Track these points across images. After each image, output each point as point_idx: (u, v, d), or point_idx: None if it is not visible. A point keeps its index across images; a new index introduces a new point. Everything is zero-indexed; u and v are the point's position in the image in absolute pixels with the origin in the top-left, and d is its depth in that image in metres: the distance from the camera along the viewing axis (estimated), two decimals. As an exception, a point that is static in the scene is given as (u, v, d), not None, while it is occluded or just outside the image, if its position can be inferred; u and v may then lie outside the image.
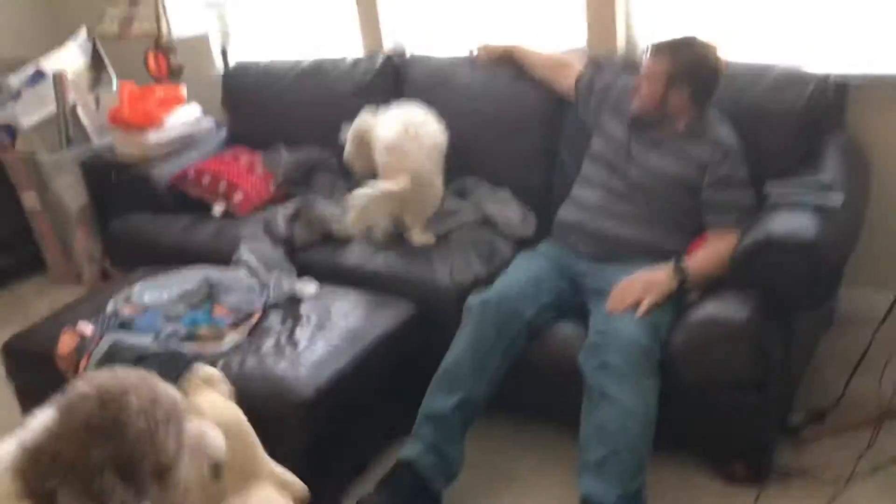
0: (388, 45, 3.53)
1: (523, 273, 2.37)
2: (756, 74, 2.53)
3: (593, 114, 2.63)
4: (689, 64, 2.35)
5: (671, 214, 2.38)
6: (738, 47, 2.75)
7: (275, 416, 2.09)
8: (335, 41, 3.68)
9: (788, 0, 2.71)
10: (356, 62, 3.37)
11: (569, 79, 2.74)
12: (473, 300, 2.29)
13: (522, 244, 2.68)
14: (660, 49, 2.39)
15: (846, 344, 2.56)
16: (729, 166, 2.34)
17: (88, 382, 1.27)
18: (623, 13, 2.96)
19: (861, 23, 2.62)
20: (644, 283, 2.19)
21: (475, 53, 3.02)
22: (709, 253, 2.27)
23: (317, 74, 3.42)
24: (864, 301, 2.68)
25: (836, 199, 2.15)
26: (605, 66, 2.77)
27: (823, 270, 2.02)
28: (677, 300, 2.21)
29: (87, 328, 2.43)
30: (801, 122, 2.43)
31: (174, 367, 2.23)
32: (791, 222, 2.10)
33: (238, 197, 3.16)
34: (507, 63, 2.94)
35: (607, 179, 2.46)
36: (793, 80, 2.47)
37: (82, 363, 2.33)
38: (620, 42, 2.98)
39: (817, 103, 2.43)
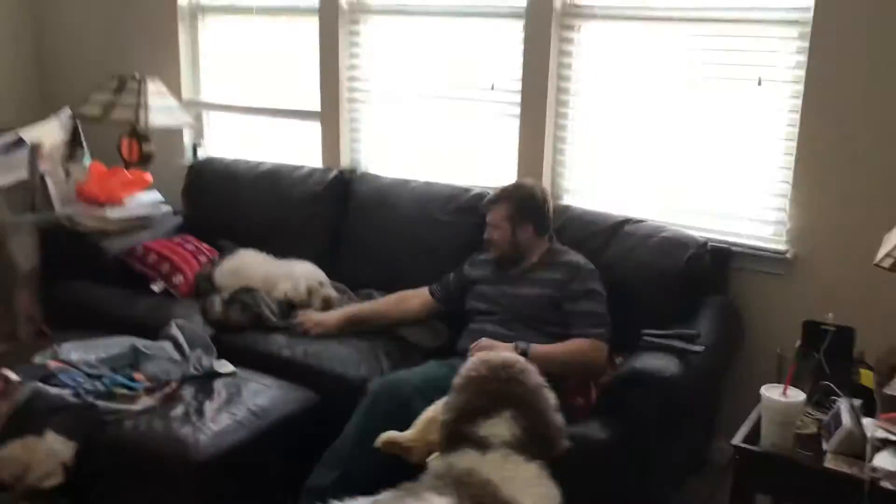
0: (345, 161, 3.87)
1: (427, 373, 2.59)
2: (645, 235, 2.90)
3: (464, 283, 2.96)
4: (524, 202, 2.80)
5: (546, 329, 2.68)
6: (644, 204, 3.14)
7: (170, 475, 2.27)
8: (300, 152, 4.03)
9: (684, 175, 3.11)
10: (311, 172, 3.70)
11: (418, 298, 3.03)
12: (376, 381, 2.54)
13: (435, 354, 2.87)
14: (496, 199, 2.84)
15: (709, 490, 2.80)
16: (581, 282, 2.70)
17: None
18: (550, 158, 3.35)
19: (742, 200, 3.02)
20: (491, 343, 2.55)
21: (304, 327, 3.02)
22: (558, 346, 2.59)
23: (273, 178, 3.74)
24: (728, 453, 2.94)
25: (697, 347, 2.45)
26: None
27: (674, 405, 2.29)
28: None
29: (11, 375, 2.60)
30: (678, 281, 2.78)
31: (84, 419, 2.42)
32: (655, 361, 2.39)
33: (178, 279, 3.39)
34: (349, 327, 3.00)
35: (491, 314, 2.78)
36: (675, 244, 2.83)
37: (2, 407, 2.49)
38: (546, 181, 3.35)
39: (694, 266, 2.79)
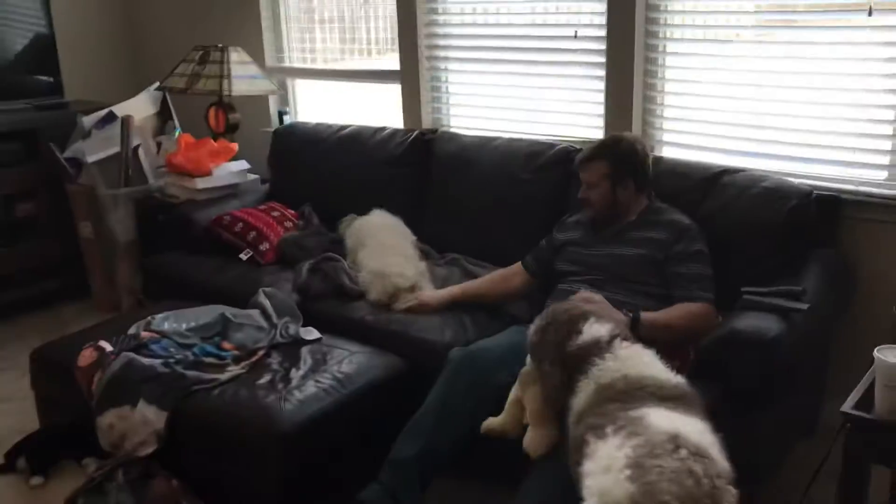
0: (427, 121, 3.80)
1: (507, 340, 2.52)
2: (745, 185, 2.70)
3: (556, 249, 2.79)
4: (624, 158, 2.60)
5: (647, 291, 2.52)
6: (742, 155, 2.94)
7: (255, 443, 2.28)
8: (382, 115, 3.98)
9: (789, 114, 2.88)
10: (392, 133, 3.64)
11: (516, 276, 2.86)
12: (453, 353, 2.45)
13: (516, 320, 2.78)
14: (593, 156, 2.63)
15: (818, 453, 2.62)
16: (685, 243, 2.52)
17: None
18: (640, 108, 3.17)
19: (858, 140, 2.77)
20: (604, 302, 2.39)
21: (407, 306, 2.86)
22: (668, 312, 2.43)
23: (356, 141, 3.70)
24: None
25: (801, 305, 2.27)
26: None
27: (777, 368, 2.13)
28: None
29: (106, 345, 2.67)
30: (781, 234, 2.57)
31: (174, 389, 2.46)
32: (755, 321, 2.22)
33: (264, 246, 3.41)
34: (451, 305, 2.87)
35: (583, 274, 2.63)
36: (777, 194, 2.62)
37: (97, 376, 2.56)
38: (635, 132, 3.17)
39: (798, 217, 2.57)
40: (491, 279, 2.91)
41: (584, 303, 2.33)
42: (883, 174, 2.74)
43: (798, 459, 2.70)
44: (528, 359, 2.15)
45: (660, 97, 3.15)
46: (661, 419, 1.59)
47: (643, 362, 1.88)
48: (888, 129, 2.69)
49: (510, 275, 2.88)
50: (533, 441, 2.12)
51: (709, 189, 2.76)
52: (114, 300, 4.15)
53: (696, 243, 2.53)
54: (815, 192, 2.65)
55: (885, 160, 2.72)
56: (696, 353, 2.37)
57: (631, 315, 2.34)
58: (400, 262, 3.01)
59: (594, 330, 1.96)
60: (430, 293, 2.87)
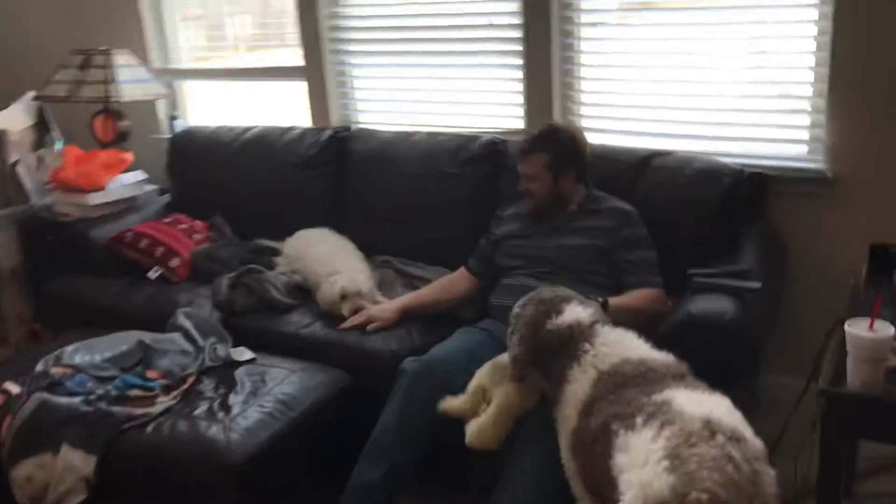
0: (335, 119, 3.64)
1: (458, 343, 2.43)
2: (676, 168, 2.70)
3: (494, 243, 2.72)
4: (564, 148, 2.57)
5: (594, 281, 2.48)
6: (665, 138, 2.94)
7: (204, 481, 2.09)
8: (285, 112, 3.78)
9: (708, 95, 2.90)
10: (302, 133, 3.46)
11: (463, 280, 2.76)
12: (406, 365, 2.33)
13: (463, 322, 2.69)
14: (532, 148, 2.58)
15: (769, 429, 2.66)
16: (631, 229, 2.52)
17: None
18: (559, 95, 3.13)
19: (774, 120, 2.83)
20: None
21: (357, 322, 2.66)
22: (630, 296, 2.42)
23: (262, 143, 3.50)
24: (783, 388, 2.80)
25: (753, 284, 2.28)
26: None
27: (741, 350, 2.13)
28: None
29: (13, 387, 2.39)
30: (718, 213, 2.59)
31: (102, 428, 2.23)
32: (711, 304, 2.21)
33: (175, 262, 3.17)
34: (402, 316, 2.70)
35: (528, 267, 2.56)
36: (711, 174, 2.64)
37: (6, 422, 2.29)
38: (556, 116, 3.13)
39: (734, 195, 2.60)
40: (439, 286, 2.79)
41: None
42: (804, 148, 2.80)
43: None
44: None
45: (579, 83, 3.12)
46: (689, 402, 1.56)
47: (634, 345, 1.86)
48: (805, 105, 2.76)
49: (456, 280, 2.77)
50: (483, 432, 2.09)
51: (640, 173, 2.75)
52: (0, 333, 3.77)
53: (640, 229, 2.52)
54: (746, 170, 2.68)
55: (805, 135, 2.79)
56: (654, 340, 2.34)
57: (599, 301, 2.28)
58: (357, 265, 2.86)
59: (576, 312, 1.93)
60: (378, 308, 2.70)
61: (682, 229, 2.61)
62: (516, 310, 2.05)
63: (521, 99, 3.19)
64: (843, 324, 1.95)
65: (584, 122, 3.13)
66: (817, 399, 2.06)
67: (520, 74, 3.17)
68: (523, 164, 2.58)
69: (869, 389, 1.79)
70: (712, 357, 2.13)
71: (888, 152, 2.63)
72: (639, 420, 1.52)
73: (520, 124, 3.21)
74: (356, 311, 2.69)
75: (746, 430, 1.51)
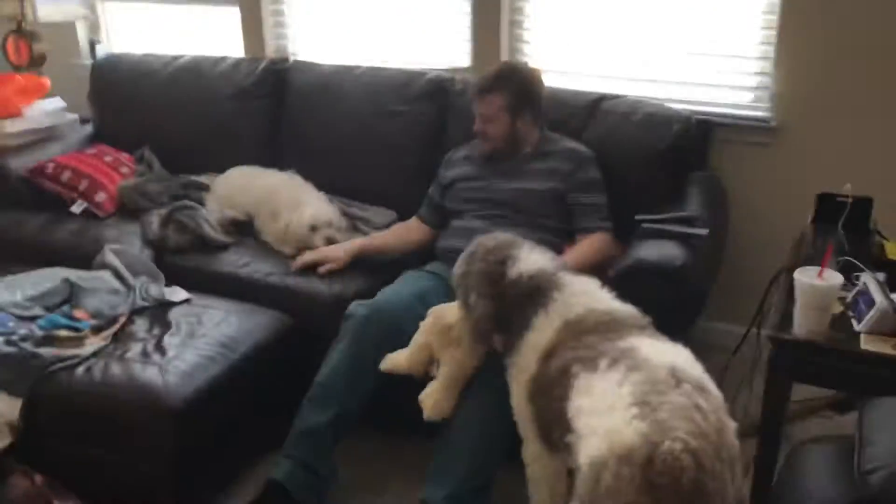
0: (270, 49, 3.47)
1: (408, 288, 2.37)
2: (625, 112, 2.67)
3: (444, 186, 2.65)
4: (523, 89, 2.49)
5: (547, 225, 2.45)
6: (613, 80, 2.91)
7: (141, 425, 2.00)
8: (216, 43, 3.59)
9: (657, 39, 2.88)
10: (237, 63, 3.29)
11: (416, 230, 2.69)
12: (354, 309, 2.26)
13: (408, 264, 2.60)
14: (491, 87, 2.48)
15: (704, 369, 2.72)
16: (585, 170, 2.48)
17: None
18: (507, 34, 3.04)
19: (721, 66, 2.82)
20: None
21: (305, 263, 2.57)
22: (582, 249, 2.38)
23: (194, 73, 3.32)
24: (719, 332, 2.86)
25: (701, 231, 2.29)
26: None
27: (688, 296, 2.14)
28: None
29: (-73, 327, 2.23)
30: (666, 159, 2.58)
31: (27, 370, 2.11)
32: (660, 250, 2.21)
33: (101, 196, 3.00)
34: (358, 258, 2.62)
35: (480, 210, 2.50)
36: (660, 120, 2.61)
37: (-80, 366, 2.14)
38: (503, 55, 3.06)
39: (682, 142, 2.59)
40: (392, 233, 2.72)
41: None
42: (749, 96, 2.81)
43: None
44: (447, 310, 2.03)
45: (527, 21, 3.04)
46: (653, 351, 1.54)
47: (600, 296, 1.83)
48: (753, 51, 2.75)
49: (410, 228, 2.70)
50: (438, 405, 2.04)
51: (589, 116, 2.71)
52: None
53: (595, 171, 2.49)
54: (693, 116, 2.67)
55: (752, 82, 2.79)
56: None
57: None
58: (318, 195, 2.78)
59: (535, 259, 1.88)
60: (330, 248, 2.60)
61: (630, 174, 2.59)
62: (462, 268, 1.96)
63: (468, 34, 3.09)
64: (789, 272, 1.98)
65: (532, 62, 3.06)
66: (762, 344, 2.10)
67: (467, 8, 3.06)
68: (480, 104, 2.50)
69: (816, 336, 1.82)
70: (659, 302, 2.15)
71: (833, 102, 2.65)
72: (602, 363, 1.50)
73: (466, 61, 3.12)
74: (330, 242, 2.62)
75: (709, 382, 1.51)
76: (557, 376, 1.61)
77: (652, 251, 2.22)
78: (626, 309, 1.79)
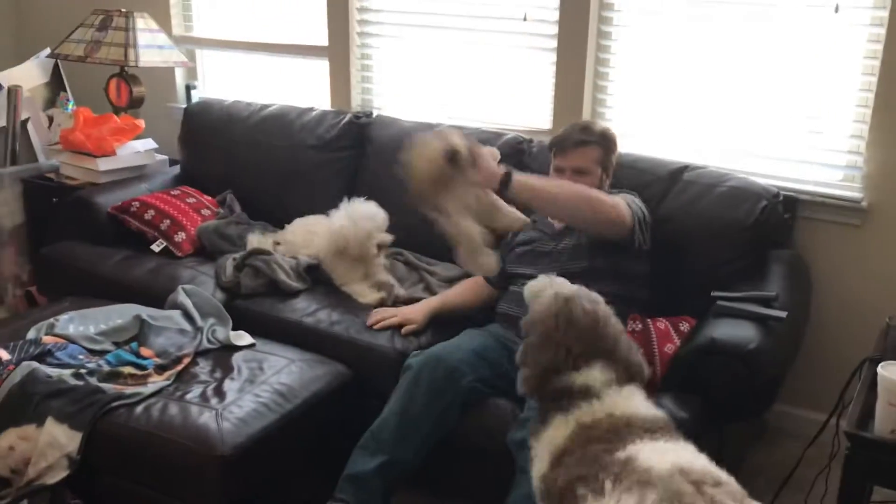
0: (356, 102, 3.54)
1: (466, 342, 2.33)
2: (709, 184, 2.59)
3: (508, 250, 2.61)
4: (611, 147, 2.50)
5: (595, 275, 2.31)
6: (696, 151, 2.84)
7: (192, 469, 2.00)
8: (304, 94, 3.68)
9: (743, 111, 2.81)
10: (322, 115, 3.35)
11: (485, 287, 2.64)
12: (413, 358, 2.24)
13: (470, 322, 2.57)
14: (585, 140, 2.46)
15: (775, 458, 2.59)
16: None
17: None
18: (590, 99, 3.02)
19: (810, 142, 2.72)
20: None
21: (385, 323, 2.54)
22: (550, 181, 2.33)
23: (280, 122, 3.39)
24: (793, 418, 2.72)
25: (779, 313, 2.18)
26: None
27: (763, 380, 2.04)
28: None
29: (3, 353, 2.31)
30: (750, 234, 2.48)
31: (90, 405, 2.14)
32: (734, 330, 2.12)
33: (180, 237, 3.07)
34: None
35: (530, 266, 2.44)
36: (745, 194, 2.52)
37: (-8, 389, 2.20)
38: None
39: (768, 218, 2.49)
40: (464, 289, 2.68)
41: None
42: (839, 174, 2.70)
43: (751, 464, 2.66)
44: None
45: (612, 87, 3.01)
46: (653, 454, 1.44)
47: (631, 404, 1.67)
48: (846, 129, 2.65)
49: (480, 283, 2.65)
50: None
51: (670, 186, 2.64)
52: (-5, 292, 3.69)
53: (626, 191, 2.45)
54: (780, 192, 2.57)
55: (843, 160, 2.69)
56: (665, 363, 2.25)
57: (502, 171, 2.16)
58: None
59: (592, 376, 1.68)
60: (409, 309, 2.59)
61: (709, 249, 2.50)
62: (538, 314, 1.80)
63: (550, 98, 3.08)
64: (873, 363, 1.86)
65: (616, 127, 3.00)
66: (836, 439, 1.97)
67: (551, 72, 3.06)
68: (574, 157, 2.45)
69: (897, 436, 1.69)
70: (731, 385, 2.06)
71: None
72: (607, 484, 1.40)
73: (546, 124, 3.11)
74: (381, 245, 2.71)
75: (720, 472, 1.41)
76: (565, 492, 1.51)
77: (726, 331, 2.13)
78: (649, 414, 1.64)
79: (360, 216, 2.78)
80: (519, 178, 2.17)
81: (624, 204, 2.32)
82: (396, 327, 2.51)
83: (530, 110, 3.17)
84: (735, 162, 2.78)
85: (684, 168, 2.67)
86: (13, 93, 3.51)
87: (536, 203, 2.23)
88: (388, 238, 2.79)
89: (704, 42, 2.83)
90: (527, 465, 1.95)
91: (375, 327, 2.53)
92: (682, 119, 2.91)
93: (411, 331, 2.50)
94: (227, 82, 4.02)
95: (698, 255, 2.50)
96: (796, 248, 2.71)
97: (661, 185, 2.64)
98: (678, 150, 2.86)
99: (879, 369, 1.72)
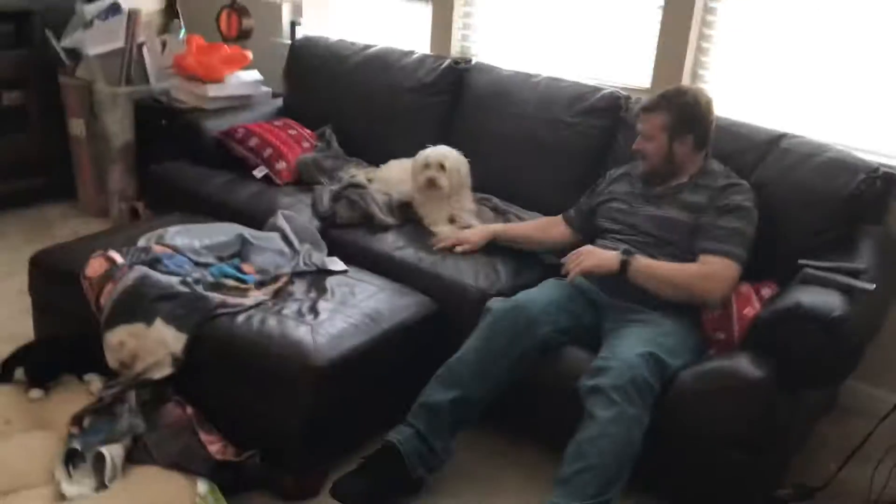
0: (456, 49, 3.60)
1: (547, 293, 2.41)
2: (806, 154, 2.57)
3: (598, 199, 2.67)
4: (685, 111, 2.44)
5: (688, 258, 2.38)
6: (796, 119, 2.82)
7: (287, 377, 2.14)
8: (406, 38, 3.75)
9: (848, 81, 2.77)
10: (422, 59, 3.43)
11: (558, 226, 2.74)
12: (494, 303, 2.34)
13: (553, 271, 2.64)
14: (654, 106, 2.47)
15: (842, 432, 2.60)
16: (728, 197, 2.39)
17: None
18: (692, 60, 3.02)
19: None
20: (591, 251, 2.39)
21: (445, 244, 2.73)
22: (671, 265, 2.35)
23: (381, 63, 3.48)
24: (864, 395, 2.72)
25: (867, 285, 2.18)
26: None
27: (844, 348, 2.05)
28: (699, 349, 2.26)
29: (117, 256, 2.48)
30: (845, 207, 2.46)
31: (196, 310, 2.30)
32: (820, 297, 2.13)
33: (281, 165, 3.21)
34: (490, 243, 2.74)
35: (625, 234, 2.49)
36: (843, 167, 2.50)
37: (107, 288, 2.38)
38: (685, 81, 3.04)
39: (863, 193, 2.46)
40: (533, 224, 2.80)
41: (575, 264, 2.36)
42: (943, 154, 2.65)
43: (818, 436, 2.69)
44: None
45: (714, 49, 3.00)
46: None
47: None
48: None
49: (551, 224, 2.75)
50: None
51: (766, 153, 2.63)
52: (102, 205, 3.93)
53: (739, 197, 2.39)
54: (880, 167, 2.55)
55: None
56: (744, 325, 2.28)
57: (621, 258, 2.31)
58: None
59: None
60: (469, 231, 2.74)
61: (801, 218, 2.49)
62: None
63: (651, 56, 3.09)
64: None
65: (715, 91, 3.01)
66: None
67: (655, 30, 3.06)
68: (642, 122, 2.49)
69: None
70: (811, 350, 2.08)
71: None
72: None
73: (646, 82, 3.11)
74: (430, 179, 2.83)
75: None
76: None
77: (812, 297, 2.14)
78: None
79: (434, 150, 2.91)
80: (638, 261, 2.33)
81: (734, 264, 2.31)
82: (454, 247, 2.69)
83: (631, 67, 3.18)
84: (835, 135, 2.75)
85: (782, 136, 2.66)
86: (133, 16, 3.68)
87: (648, 283, 2.33)
88: (444, 183, 2.86)
89: (811, 9, 2.78)
90: (594, 411, 2.04)
91: (434, 248, 2.69)
92: (785, 87, 2.88)
93: (464, 250, 2.66)
94: (331, 22, 4.12)
95: (789, 224, 2.49)
96: (890, 227, 2.68)
97: (757, 151, 2.63)
98: (778, 118, 2.84)
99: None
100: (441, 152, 2.89)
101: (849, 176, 2.47)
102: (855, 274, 2.26)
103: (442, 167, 2.84)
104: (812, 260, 2.33)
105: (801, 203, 2.51)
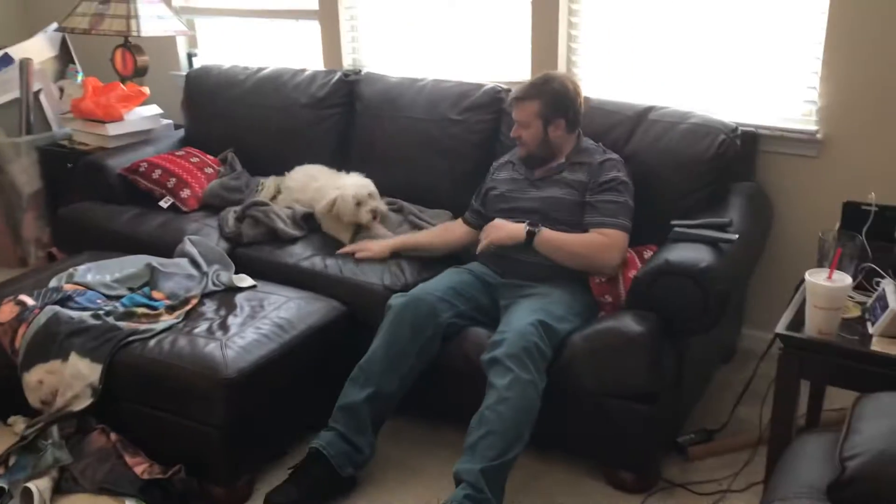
0: (348, 61, 3.72)
1: (445, 281, 2.55)
2: (671, 122, 2.76)
3: (484, 193, 2.83)
4: (556, 97, 2.60)
5: (576, 231, 2.55)
6: (663, 92, 3.02)
7: (200, 392, 2.23)
8: (299, 56, 3.87)
9: (706, 53, 2.98)
10: (314, 75, 3.54)
11: (458, 229, 2.88)
12: (394, 299, 2.46)
13: (454, 261, 2.81)
14: (525, 94, 2.63)
15: (744, 377, 2.79)
16: (607, 173, 2.57)
17: None
18: (564, 49, 3.20)
19: (773, 77, 2.89)
20: (500, 225, 2.59)
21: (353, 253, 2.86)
22: (574, 236, 2.53)
23: (274, 83, 3.58)
24: (758, 340, 2.92)
25: (731, 235, 2.37)
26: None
27: (711, 298, 2.23)
28: (587, 313, 2.42)
29: (28, 299, 2.54)
30: (710, 168, 2.65)
31: (108, 340, 2.38)
32: (687, 252, 2.31)
33: (186, 193, 3.30)
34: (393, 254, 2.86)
35: (515, 217, 2.63)
36: (704, 130, 2.69)
37: (21, 331, 2.45)
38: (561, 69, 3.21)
39: (726, 152, 2.66)
40: (434, 232, 2.93)
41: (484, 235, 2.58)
42: (800, 109, 2.86)
43: (718, 383, 2.87)
44: None
45: (582, 36, 3.18)
46: None
47: None
48: (806, 66, 2.81)
49: (452, 228, 2.90)
50: None
51: (636, 125, 2.81)
52: (20, 255, 3.94)
53: (616, 172, 2.57)
54: (739, 127, 2.74)
55: (800, 95, 2.85)
56: (628, 287, 2.45)
57: (529, 227, 2.49)
58: (361, 181, 3.05)
59: None
60: (374, 242, 2.86)
61: (673, 182, 2.68)
62: None
63: (527, 49, 3.25)
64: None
65: (587, 75, 3.20)
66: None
67: (528, 25, 3.23)
68: (515, 111, 2.65)
69: (824, 336, 1.89)
70: (684, 302, 2.25)
71: (875, 114, 2.69)
72: None
73: (526, 74, 3.27)
74: (374, 212, 2.94)
75: None
76: None
77: (680, 254, 2.32)
78: None
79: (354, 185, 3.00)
80: (543, 234, 2.50)
81: (621, 233, 2.50)
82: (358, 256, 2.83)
83: (510, 62, 3.35)
84: (698, 102, 2.95)
85: (650, 108, 2.84)
86: (25, 65, 3.73)
87: (553, 254, 2.51)
88: (384, 208, 3.02)
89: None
90: (493, 380, 2.19)
91: (341, 251, 2.86)
92: (649, 63, 3.08)
93: (364, 257, 2.81)
94: (226, 49, 4.21)
95: (663, 189, 2.68)
96: (757, 181, 2.89)
97: (628, 124, 2.82)
98: (647, 93, 3.04)
99: (807, 275, 1.91)
100: (357, 183, 2.99)
101: (711, 138, 2.67)
102: (721, 227, 2.44)
103: (370, 196, 2.96)
104: (684, 220, 2.51)
105: (672, 168, 2.69)
